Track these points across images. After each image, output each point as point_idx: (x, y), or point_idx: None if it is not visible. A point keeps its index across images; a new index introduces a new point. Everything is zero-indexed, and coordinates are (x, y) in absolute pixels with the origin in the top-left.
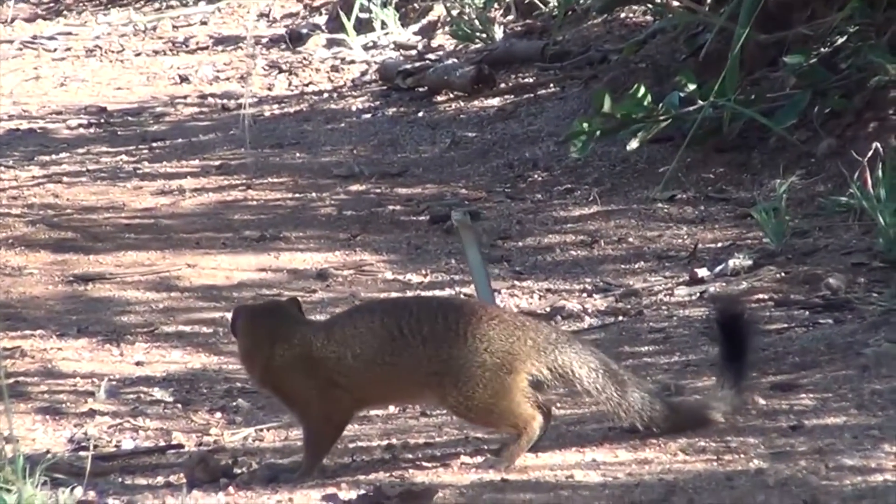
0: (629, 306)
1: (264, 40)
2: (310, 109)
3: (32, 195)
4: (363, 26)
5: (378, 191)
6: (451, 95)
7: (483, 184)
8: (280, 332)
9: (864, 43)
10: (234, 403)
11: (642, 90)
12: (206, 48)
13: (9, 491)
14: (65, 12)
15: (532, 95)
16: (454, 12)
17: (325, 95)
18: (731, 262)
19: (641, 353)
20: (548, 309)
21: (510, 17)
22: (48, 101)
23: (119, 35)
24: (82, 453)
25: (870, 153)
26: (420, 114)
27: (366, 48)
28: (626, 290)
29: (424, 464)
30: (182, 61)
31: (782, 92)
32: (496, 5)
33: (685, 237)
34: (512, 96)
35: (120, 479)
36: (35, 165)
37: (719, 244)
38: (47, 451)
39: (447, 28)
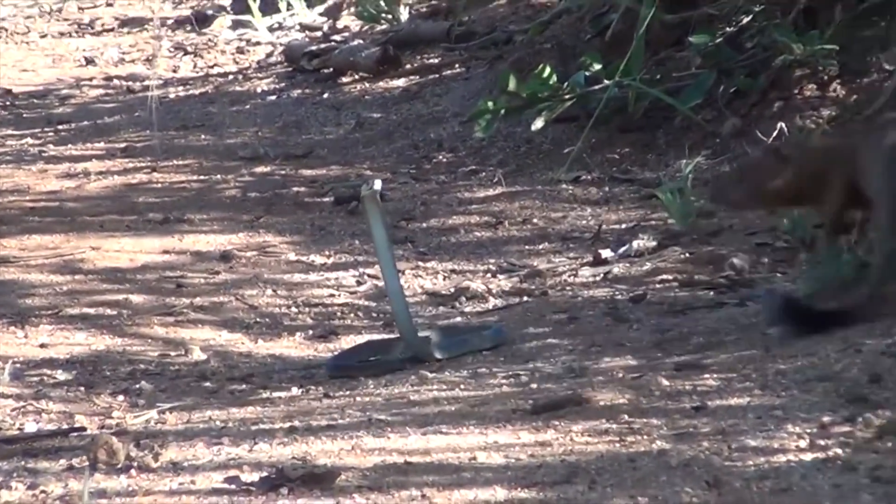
0: (533, 287)
1: (170, 22)
2: (215, 91)
3: None
4: (269, 7)
5: (283, 172)
6: (357, 77)
7: (388, 165)
8: None
9: (770, 22)
10: (137, 386)
11: (547, 70)
12: (112, 30)
13: None
14: None
15: (437, 76)
16: None
17: (231, 77)
18: (635, 243)
19: (546, 333)
20: (452, 290)
21: None
22: None
23: (24, 17)
24: None
25: (775, 133)
26: (325, 95)
27: (271, 30)
28: (531, 271)
29: (327, 446)
30: (88, 43)
31: (688, 72)
32: None
33: (590, 218)
34: (417, 77)
35: (23, 462)
36: None
37: (624, 225)
38: None
39: (353, 9)
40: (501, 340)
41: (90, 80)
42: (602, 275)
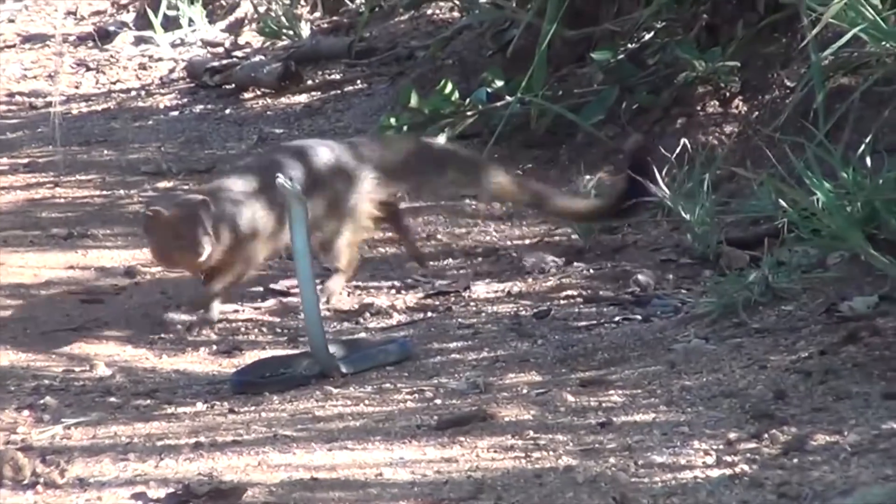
0: (437, 303)
1: (72, 38)
2: (118, 107)
3: None
4: (171, 23)
5: (186, 187)
6: (259, 92)
7: None
8: None
9: (672, 39)
10: (42, 401)
11: (449, 86)
12: (14, 46)
13: None
14: None
15: (339, 92)
16: (261, 9)
17: (133, 93)
18: (538, 259)
19: (450, 349)
20: (356, 306)
21: (317, 14)
22: None
23: None
24: None
25: (678, 149)
26: (227, 111)
27: (173, 45)
28: (434, 288)
29: (233, 462)
30: None
31: (590, 88)
32: (302, 2)
33: (493, 234)
34: (319, 93)
35: None
36: None
37: (527, 241)
38: None
39: (254, 25)
40: (406, 355)
41: None
42: (506, 290)
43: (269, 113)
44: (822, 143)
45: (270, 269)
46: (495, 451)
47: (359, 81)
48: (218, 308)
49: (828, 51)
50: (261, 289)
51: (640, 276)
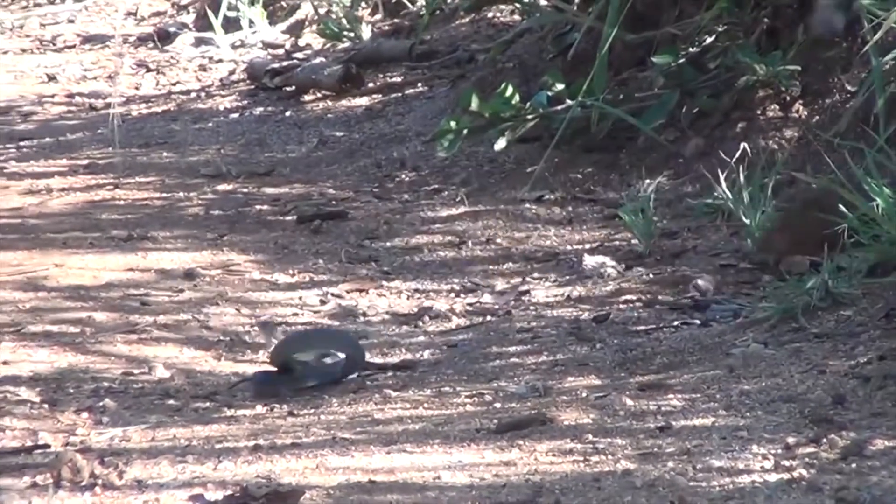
0: (497, 306)
1: (132, 39)
2: (177, 109)
3: None
4: (231, 25)
5: (245, 190)
6: (319, 95)
7: (350, 183)
8: None
9: (733, 43)
10: (101, 403)
11: (510, 89)
12: (74, 47)
13: None
14: None
15: (400, 95)
16: (322, 11)
17: (193, 95)
18: (598, 263)
19: (509, 353)
20: (415, 309)
21: (378, 17)
22: None
23: None
24: None
25: (738, 154)
26: (287, 113)
27: (234, 47)
28: (494, 291)
29: (291, 464)
30: (50, 60)
31: (650, 92)
32: (364, 4)
33: (553, 238)
34: (380, 95)
35: None
36: None
37: (587, 245)
38: None
39: (315, 27)
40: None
41: (52, 97)
42: (565, 295)
43: (329, 115)
44: (883, 148)
45: (329, 273)
46: (554, 455)
47: (419, 84)
48: None
49: (889, 55)
50: (320, 292)
51: (699, 281)
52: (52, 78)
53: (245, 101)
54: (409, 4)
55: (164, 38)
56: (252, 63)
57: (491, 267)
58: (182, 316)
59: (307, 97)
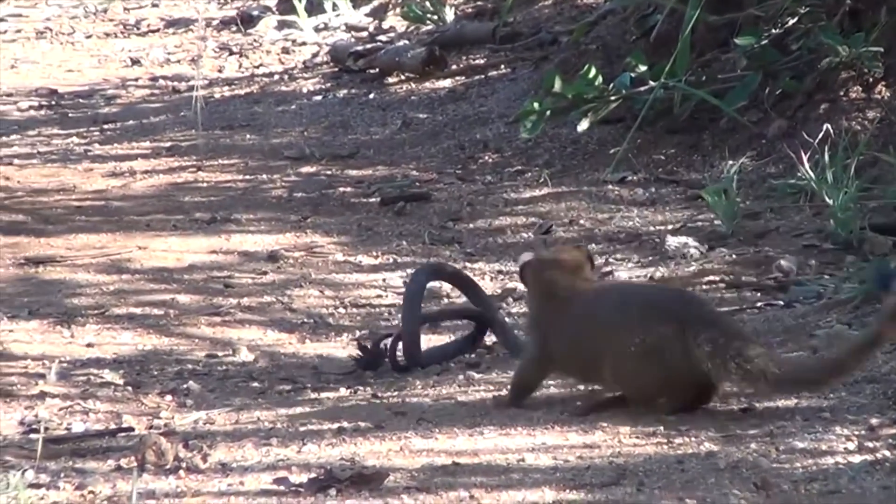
0: None
1: (215, 22)
2: (260, 91)
3: None
4: (314, 8)
5: (329, 173)
6: (403, 77)
7: (434, 165)
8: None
9: (815, 24)
10: (185, 386)
11: (593, 71)
12: (157, 31)
13: None
14: None
15: (483, 77)
16: None
17: (276, 77)
18: (681, 244)
19: None
20: (499, 290)
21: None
22: None
23: (70, 17)
24: (33, 436)
25: (820, 135)
26: (371, 95)
27: (317, 30)
28: None
29: (375, 447)
30: (133, 44)
31: (733, 73)
32: None
33: (636, 219)
34: (463, 78)
35: (70, 462)
36: None
37: (670, 226)
38: None
39: (398, 10)
40: None
41: (136, 80)
42: (648, 275)
43: (412, 98)
44: None
45: (412, 255)
46: (637, 437)
47: (502, 66)
48: None
49: None
50: (404, 274)
51: (782, 262)
52: (135, 61)
53: (328, 84)
54: None
55: (246, 21)
56: (335, 46)
57: None
58: (265, 298)
59: (390, 79)
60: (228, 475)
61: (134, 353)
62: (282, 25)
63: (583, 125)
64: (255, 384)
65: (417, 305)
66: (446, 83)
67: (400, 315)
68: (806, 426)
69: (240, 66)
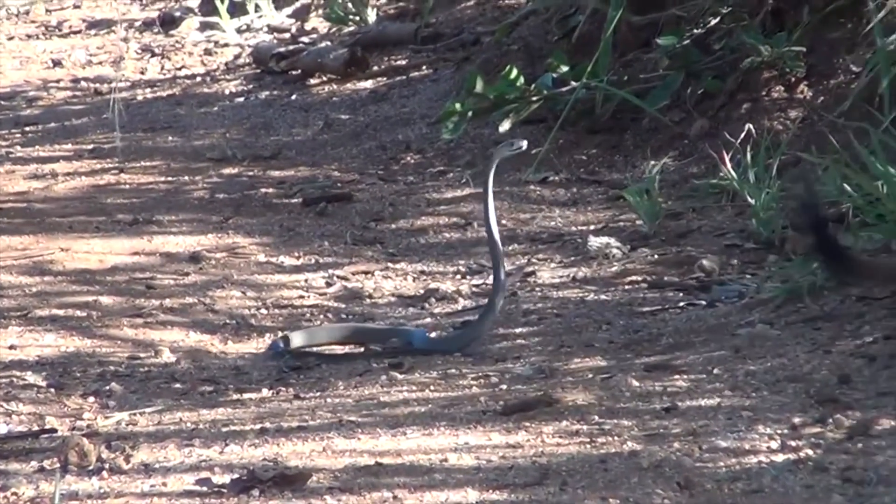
0: None
1: (137, 24)
2: (182, 93)
3: None
4: (237, 9)
5: (251, 174)
6: (325, 78)
7: (356, 166)
8: None
9: (737, 24)
10: (108, 387)
11: (514, 71)
12: (79, 32)
13: None
14: None
15: (405, 78)
16: None
17: (198, 79)
18: (603, 244)
19: (515, 334)
20: (421, 291)
21: (383, 0)
22: None
23: None
24: None
25: (742, 134)
26: (293, 97)
27: (239, 31)
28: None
29: (298, 447)
30: (55, 45)
31: (655, 73)
32: None
33: (558, 219)
34: (385, 78)
35: None
36: None
37: (592, 226)
38: None
39: (321, 11)
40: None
41: (57, 82)
42: (571, 276)
43: (334, 99)
44: (888, 129)
45: (334, 255)
46: (560, 437)
47: (424, 67)
48: None
49: (894, 35)
50: (326, 274)
51: (704, 262)
52: (57, 63)
53: (250, 85)
54: None
55: (168, 22)
56: (258, 47)
57: None
58: (188, 299)
59: (313, 81)
60: (151, 476)
61: (56, 355)
62: (204, 27)
63: (504, 126)
64: (178, 385)
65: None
66: (368, 84)
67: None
68: (729, 425)
69: (162, 67)
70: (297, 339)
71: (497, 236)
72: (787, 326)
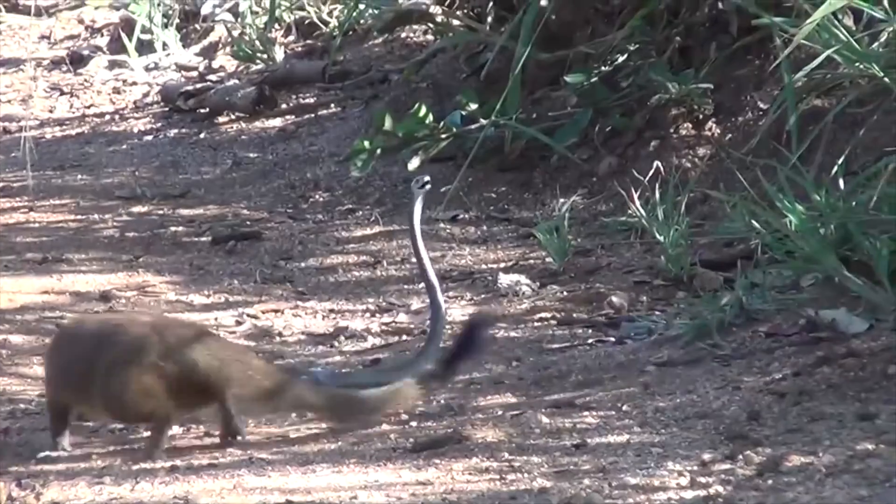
0: (412, 326)
1: (46, 62)
2: (91, 131)
3: None
4: (145, 47)
5: (160, 212)
6: (233, 116)
7: (265, 204)
8: None
9: (645, 61)
10: (18, 425)
11: (423, 109)
12: None
13: None
14: None
15: (313, 116)
16: (235, 33)
17: (107, 117)
18: (513, 282)
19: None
20: (331, 329)
21: (291, 38)
22: None
23: None
24: None
25: (651, 172)
26: (202, 135)
27: (147, 70)
28: (410, 310)
29: (209, 485)
30: None
31: (564, 111)
32: (277, 26)
33: (468, 257)
34: (293, 117)
35: None
36: None
37: (502, 264)
38: None
39: (228, 49)
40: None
41: None
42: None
43: (243, 137)
44: (795, 166)
45: (244, 293)
46: (470, 473)
47: (333, 105)
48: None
49: (801, 73)
50: (236, 312)
51: (613, 298)
52: None
53: (159, 124)
54: (322, 26)
55: (77, 61)
56: (166, 86)
57: (406, 286)
58: None
59: (221, 119)
60: None
61: None
62: (112, 65)
63: (414, 163)
64: (88, 423)
65: None
66: (277, 122)
67: None
68: (638, 462)
69: (71, 106)
70: None
71: (431, 272)
72: (696, 363)
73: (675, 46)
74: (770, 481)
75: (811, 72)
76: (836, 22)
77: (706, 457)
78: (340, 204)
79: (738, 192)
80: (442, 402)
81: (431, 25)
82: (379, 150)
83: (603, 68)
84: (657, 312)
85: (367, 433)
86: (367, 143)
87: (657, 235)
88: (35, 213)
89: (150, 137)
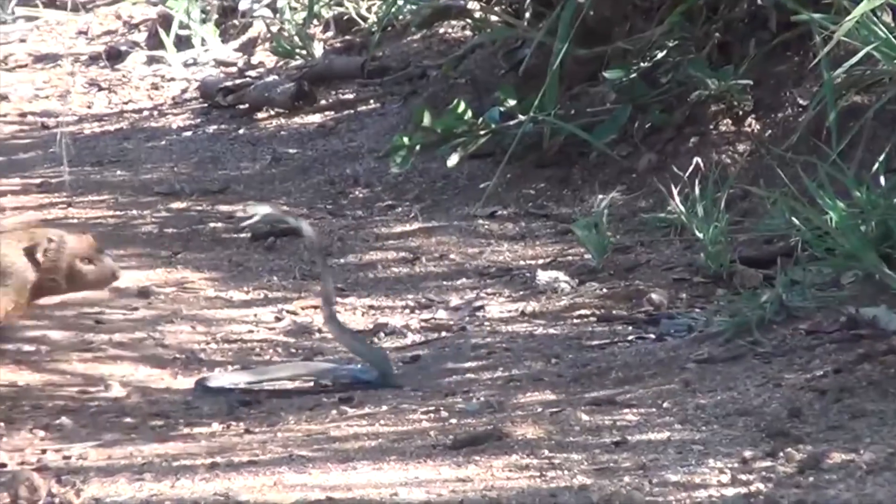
0: (451, 322)
1: (83, 58)
2: (130, 127)
3: None
4: (183, 43)
5: (199, 208)
6: (272, 112)
7: (304, 200)
8: None
9: (684, 57)
10: (58, 422)
11: (462, 105)
12: (26, 66)
13: None
14: None
15: (352, 112)
16: (274, 28)
17: (146, 113)
18: (552, 278)
19: (464, 368)
20: (370, 325)
21: (329, 34)
22: None
23: None
24: None
25: (691, 168)
26: (241, 131)
27: (186, 65)
28: (449, 307)
29: (249, 482)
30: (1, 80)
31: (603, 107)
32: (315, 22)
33: (506, 253)
34: (332, 112)
35: None
36: None
37: (540, 260)
38: None
39: (267, 45)
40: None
41: (4, 116)
42: (519, 310)
43: (282, 133)
44: (836, 162)
45: (283, 290)
46: (510, 471)
47: (372, 101)
48: None
49: (840, 69)
50: (275, 309)
51: (653, 295)
52: (3, 97)
53: (198, 120)
54: (360, 21)
55: (115, 56)
56: (204, 81)
57: (445, 283)
58: (137, 334)
59: (260, 115)
60: None
61: (6, 390)
62: (150, 61)
63: (452, 160)
64: (128, 419)
65: None
66: (316, 118)
67: None
68: (679, 459)
69: (109, 101)
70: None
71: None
72: (736, 360)
73: (714, 42)
74: (811, 479)
75: (850, 68)
76: (875, 18)
77: (747, 454)
78: (379, 200)
79: (778, 188)
80: (482, 398)
81: (469, 21)
82: (418, 147)
83: (642, 64)
84: (697, 309)
85: (407, 430)
86: (405, 140)
87: (697, 232)
88: (73, 209)
89: (188, 133)
